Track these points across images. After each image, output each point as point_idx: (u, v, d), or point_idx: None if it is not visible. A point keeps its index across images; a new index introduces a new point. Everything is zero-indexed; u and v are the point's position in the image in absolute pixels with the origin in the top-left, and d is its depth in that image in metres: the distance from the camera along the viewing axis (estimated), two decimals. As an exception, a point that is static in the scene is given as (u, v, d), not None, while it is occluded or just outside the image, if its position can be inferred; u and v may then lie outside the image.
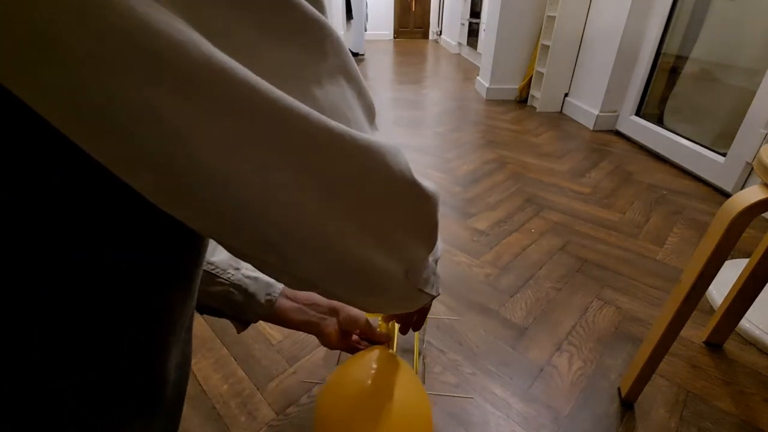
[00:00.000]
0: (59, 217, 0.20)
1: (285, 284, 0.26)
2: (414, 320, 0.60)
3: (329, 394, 0.50)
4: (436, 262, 0.37)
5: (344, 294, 0.28)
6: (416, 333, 0.78)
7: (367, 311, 0.56)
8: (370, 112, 0.25)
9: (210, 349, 0.79)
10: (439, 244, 0.37)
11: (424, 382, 0.68)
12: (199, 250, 0.30)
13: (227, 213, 0.18)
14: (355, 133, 0.20)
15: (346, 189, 0.21)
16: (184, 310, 0.30)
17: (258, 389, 0.71)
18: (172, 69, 0.14)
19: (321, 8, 0.20)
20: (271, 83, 0.17)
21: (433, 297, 0.37)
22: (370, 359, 0.53)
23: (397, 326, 0.63)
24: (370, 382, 0.48)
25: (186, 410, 0.67)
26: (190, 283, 0.30)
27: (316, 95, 0.19)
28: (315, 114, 0.18)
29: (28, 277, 0.21)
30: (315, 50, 0.19)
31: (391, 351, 0.57)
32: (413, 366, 0.73)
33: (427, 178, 0.27)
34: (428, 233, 0.30)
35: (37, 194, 0.19)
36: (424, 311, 0.58)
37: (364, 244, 0.24)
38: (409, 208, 0.26)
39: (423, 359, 0.75)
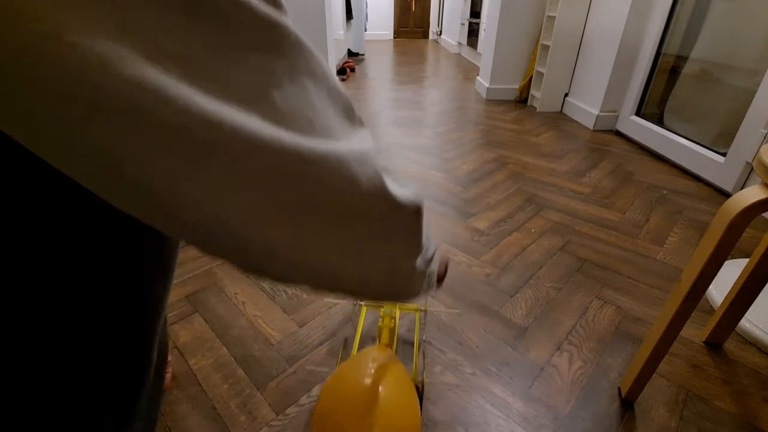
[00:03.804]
0: (43, 223, 0.21)
1: (268, 279, 0.26)
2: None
3: (326, 395, 0.55)
4: (428, 261, 0.36)
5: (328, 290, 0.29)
6: (416, 328, 0.79)
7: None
8: (346, 109, 0.24)
9: (210, 348, 0.79)
10: (432, 244, 0.37)
11: (423, 372, 0.71)
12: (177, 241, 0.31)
13: (190, 226, 0.19)
14: (312, 145, 0.19)
15: (301, 203, 0.20)
16: (164, 291, 0.31)
17: (258, 389, 0.71)
18: (111, 99, 0.14)
19: (278, 6, 0.19)
20: (225, 95, 0.17)
21: (430, 287, 0.37)
22: (368, 360, 0.57)
23: (398, 326, 0.65)
24: (364, 385, 0.53)
25: (186, 410, 0.67)
26: (169, 271, 0.31)
27: (275, 98, 0.19)
28: (266, 132, 0.18)
29: (17, 282, 0.21)
30: (271, 53, 0.19)
31: (389, 350, 0.59)
32: (413, 358, 0.74)
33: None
34: (406, 239, 0.29)
35: (19, 199, 0.20)
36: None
37: (331, 253, 0.23)
38: (378, 217, 0.25)
39: (423, 351, 0.77)
